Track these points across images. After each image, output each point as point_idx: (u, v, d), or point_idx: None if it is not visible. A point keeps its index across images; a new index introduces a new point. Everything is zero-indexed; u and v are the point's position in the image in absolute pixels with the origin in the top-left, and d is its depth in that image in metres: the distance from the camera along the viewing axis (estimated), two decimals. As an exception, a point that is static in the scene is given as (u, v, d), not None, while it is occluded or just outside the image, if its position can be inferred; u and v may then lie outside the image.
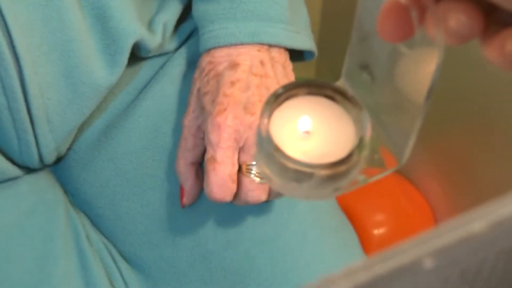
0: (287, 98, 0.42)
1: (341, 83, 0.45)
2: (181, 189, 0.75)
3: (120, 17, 0.72)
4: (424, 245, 0.27)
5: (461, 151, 1.16)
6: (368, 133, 0.40)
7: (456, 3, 0.36)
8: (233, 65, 0.73)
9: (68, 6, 0.68)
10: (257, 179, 0.70)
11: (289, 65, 0.79)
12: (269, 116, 0.41)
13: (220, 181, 0.69)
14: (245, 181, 0.70)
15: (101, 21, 0.71)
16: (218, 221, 0.74)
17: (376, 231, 1.19)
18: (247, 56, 0.74)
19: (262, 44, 0.75)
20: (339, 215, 0.82)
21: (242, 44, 0.74)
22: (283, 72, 0.77)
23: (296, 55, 0.81)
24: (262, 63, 0.74)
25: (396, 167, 0.43)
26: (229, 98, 0.71)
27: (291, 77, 0.79)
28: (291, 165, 0.39)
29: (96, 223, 0.80)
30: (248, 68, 0.73)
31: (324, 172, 0.38)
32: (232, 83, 0.72)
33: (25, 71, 0.66)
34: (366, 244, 1.16)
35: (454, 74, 1.04)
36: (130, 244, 0.77)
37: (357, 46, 0.44)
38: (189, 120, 0.75)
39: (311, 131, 0.42)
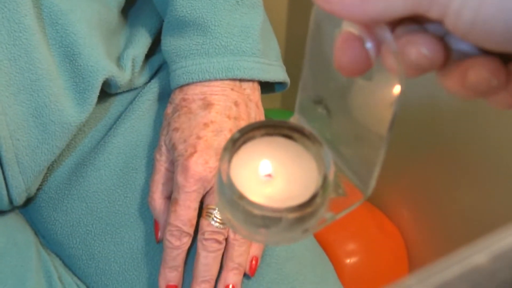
0: (244, 142, 0.41)
1: (295, 119, 0.45)
2: (156, 224, 0.74)
3: (89, 55, 0.71)
4: (427, 281, 0.27)
5: (430, 179, 1.16)
6: (331, 171, 0.39)
7: (415, 35, 0.36)
8: (207, 105, 0.73)
9: (36, 45, 0.67)
10: (216, 224, 0.70)
11: (261, 103, 0.79)
12: (229, 161, 0.40)
13: (179, 224, 0.70)
14: (203, 223, 0.71)
15: (70, 59, 0.70)
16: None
17: (348, 260, 1.19)
18: (221, 96, 0.74)
19: (235, 79, 0.75)
20: (315, 247, 0.81)
21: (215, 79, 0.74)
22: (256, 112, 0.77)
23: (267, 85, 0.81)
24: (236, 103, 0.74)
25: (361, 200, 0.42)
26: (201, 141, 0.71)
27: (262, 119, 0.79)
28: (257, 211, 0.37)
29: (68, 264, 0.78)
30: (222, 109, 0.73)
31: (291, 215, 0.37)
32: (205, 125, 0.72)
33: None
34: (339, 273, 1.15)
35: (420, 102, 1.05)
36: (104, 284, 0.76)
37: (309, 80, 0.44)
38: (161, 155, 0.74)
39: (273, 174, 0.41)
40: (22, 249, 0.75)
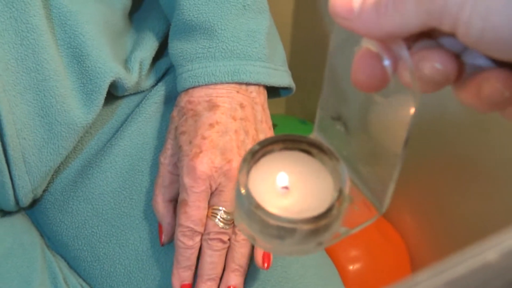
0: (263, 155, 0.42)
1: (314, 136, 0.46)
2: (160, 227, 0.74)
3: (97, 56, 0.71)
4: (436, 277, 0.27)
5: (433, 185, 1.16)
6: (347, 185, 0.40)
7: (430, 51, 0.37)
8: (212, 107, 0.73)
9: (44, 45, 0.67)
10: (221, 224, 0.70)
11: (267, 106, 0.79)
12: (247, 173, 0.41)
13: (191, 224, 0.70)
14: (209, 224, 0.71)
15: (78, 60, 0.71)
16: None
17: (351, 267, 1.19)
18: (227, 98, 0.74)
19: (241, 83, 0.75)
20: (320, 251, 0.81)
21: (221, 83, 0.74)
22: (262, 114, 0.77)
23: (272, 90, 0.81)
24: (241, 105, 0.74)
25: (376, 216, 0.43)
26: (206, 141, 0.71)
27: (268, 121, 0.79)
28: (272, 221, 0.38)
29: (73, 266, 0.78)
30: (227, 111, 0.73)
31: (306, 227, 0.38)
32: (211, 125, 0.72)
33: (1, 111, 0.66)
34: (342, 279, 1.15)
35: (425, 109, 1.05)
36: (109, 286, 0.76)
37: (329, 98, 0.44)
38: (165, 158, 0.74)
39: (290, 187, 0.41)
40: (28, 250, 0.75)
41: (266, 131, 0.78)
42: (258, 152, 0.42)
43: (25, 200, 0.74)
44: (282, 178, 0.41)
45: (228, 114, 0.73)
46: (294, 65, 0.88)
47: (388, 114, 0.40)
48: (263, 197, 0.40)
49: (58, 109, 0.70)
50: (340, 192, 0.40)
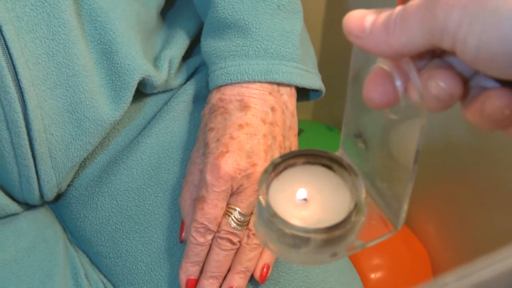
0: (285, 168, 0.44)
1: (339, 153, 0.47)
2: (182, 224, 0.74)
3: (126, 53, 0.71)
4: (464, 279, 0.27)
5: (457, 198, 1.16)
6: (362, 199, 0.41)
7: (437, 70, 0.39)
8: (244, 107, 0.73)
9: (74, 41, 0.67)
10: (234, 224, 0.70)
11: (296, 112, 0.79)
12: (268, 184, 0.42)
13: (205, 222, 0.70)
14: (222, 221, 0.71)
15: (107, 56, 0.71)
16: None
17: (373, 275, 1.18)
18: (259, 100, 0.74)
19: (273, 83, 0.75)
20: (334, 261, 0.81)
21: (254, 82, 0.74)
22: (291, 120, 0.77)
23: (301, 93, 0.81)
24: (273, 109, 0.74)
25: (392, 233, 0.44)
26: (234, 142, 0.71)
27: (295, 128, 0.79)
28: (288, 230, 0.40)
29: (95, 261, 0.79)
30: (258, 113, 0.73)
31: (320, 237, 0.39)
32: (240, 126, 0.72)
33: (29, 105, 0.66)
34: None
35: (446, 121, 1.05)
36: (130, 283, 0.76)
37: (351, 115, 0.46)
38: (197, 157, 0.74)
39: (308, 199, 0.43)
40: (50, 244, 0.75)
41: (292, 139, 0.77)
42: (280, 165, 0.43)
43: (50, 194, 0.74)
44: (302, 190, 0.43)
45: (259, 117, 0.73)
46: (323, 70, 0.88)
47: (401, 131, 0.42)
48: (282, 207, 0.42)
49: (87, 105, 0.70)
50: (356, 205, 0.41)
